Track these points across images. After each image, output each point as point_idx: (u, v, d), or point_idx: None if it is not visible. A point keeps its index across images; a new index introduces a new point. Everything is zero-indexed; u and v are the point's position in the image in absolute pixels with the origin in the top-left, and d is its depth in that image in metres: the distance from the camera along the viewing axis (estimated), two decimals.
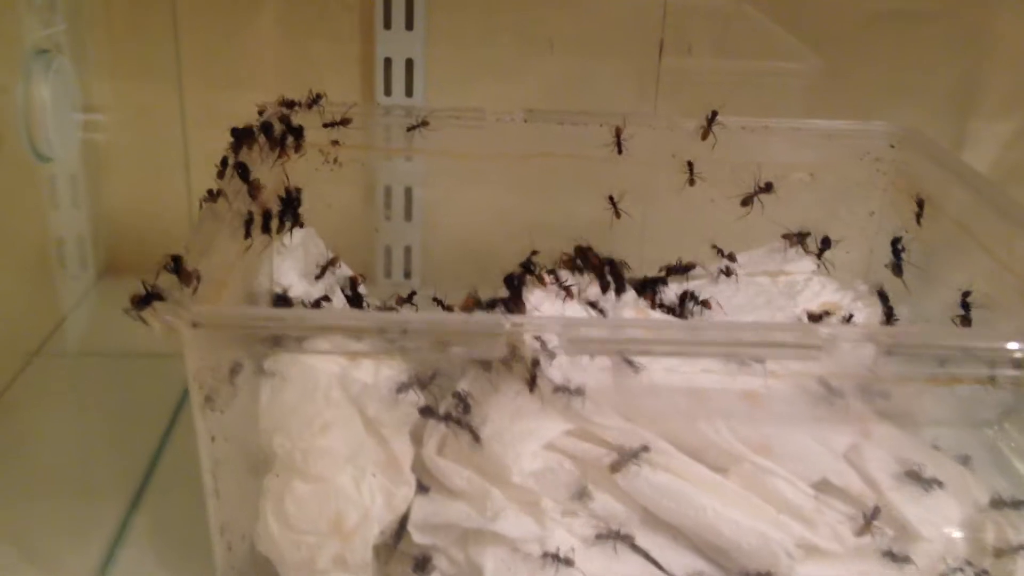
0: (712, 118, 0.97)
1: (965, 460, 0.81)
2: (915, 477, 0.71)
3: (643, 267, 0.96)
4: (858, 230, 0.99)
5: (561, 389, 0.65)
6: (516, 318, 0.60)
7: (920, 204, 0.91)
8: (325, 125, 0.95)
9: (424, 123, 0.98)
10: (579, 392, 0.66)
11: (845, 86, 1.17)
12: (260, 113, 0.91)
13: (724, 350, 0.60)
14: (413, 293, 1.01)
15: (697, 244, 0.98)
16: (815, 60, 1.16)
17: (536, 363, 0.62)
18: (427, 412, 0.70)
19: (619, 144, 0.96)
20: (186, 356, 0.59)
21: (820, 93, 1.17)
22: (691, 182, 0.97)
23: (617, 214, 0.97)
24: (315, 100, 0.95)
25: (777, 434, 0.71)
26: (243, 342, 0.61)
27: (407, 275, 1.22)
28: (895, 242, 0.93)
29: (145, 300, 0.58)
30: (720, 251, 0.97)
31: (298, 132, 0.90)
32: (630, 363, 0.61)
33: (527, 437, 0.70)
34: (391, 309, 0.89)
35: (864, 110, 1.16)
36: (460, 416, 0.71)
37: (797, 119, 0.99)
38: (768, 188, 0.94)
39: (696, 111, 0.99)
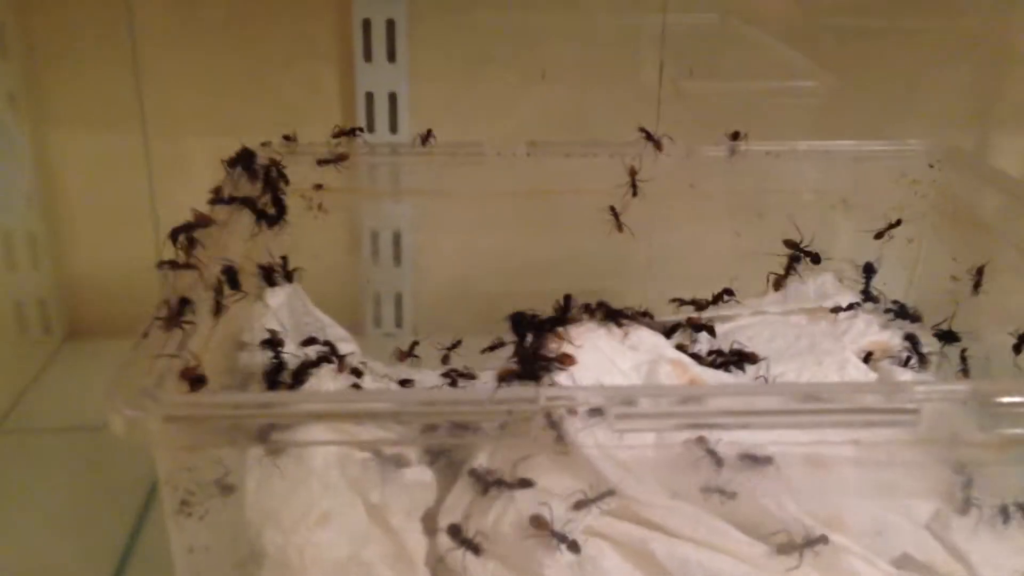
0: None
1: None
2: None
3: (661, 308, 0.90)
4: (895, 260, 0.91)
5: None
6: (552, 391, 0.51)
7: (979, 273, 0.84)
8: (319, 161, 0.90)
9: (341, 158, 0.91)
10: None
11: (857, 104, 1.12)
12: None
13: (798, 419, 0.51)
14: (415, 344, 0.94)
15: (720, 282, 0.91)
16: (824, 78, 1.11)
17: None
18: (454, 532, 0.61)
19: (634, 186, 0.88)
20: (156, 456, 0.49)
21: (831, 112, 1.11)
22: (658, 147, 0.90)
23: (619, 227, 0.90)
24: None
25: (848, 504, 0.62)
26: (227, 435, 0.51)
27: (398, 324, 1.15)
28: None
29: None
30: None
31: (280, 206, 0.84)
32: (713, 454, 0.52)
33: (560, 522, 0.60)
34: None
35: (879, 129, 1.10)
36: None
37: (826, 141, 0.92)
38: (816, 259, 0.87)
39: (702, 136, 0.93)
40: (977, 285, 0.84)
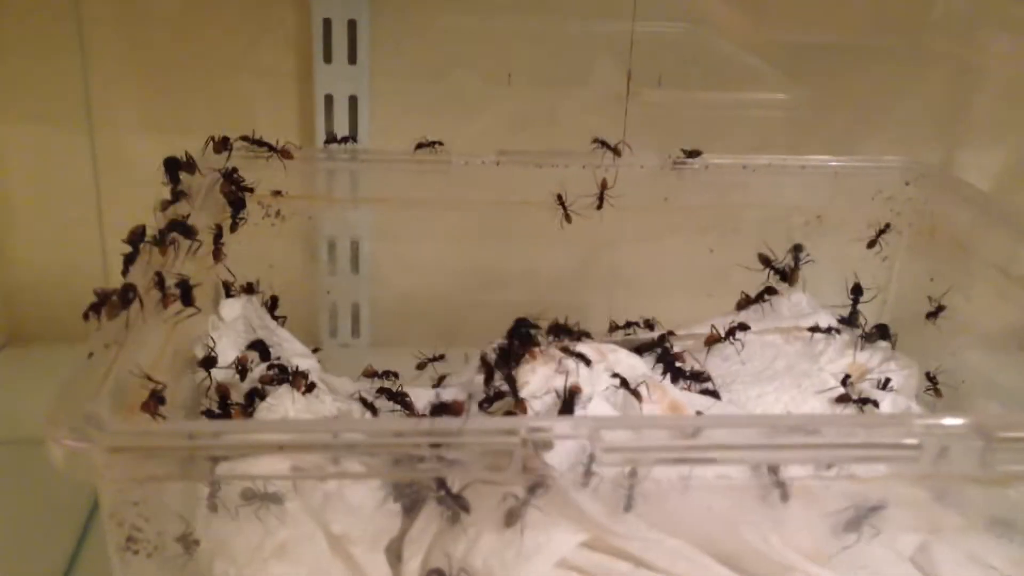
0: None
1: None
2: None
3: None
4: (870, 278, 0.89)
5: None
6: (534, 423, 0.47)
7: (938, 310, 0.84)
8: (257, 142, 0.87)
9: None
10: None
11: (825, 119, 1.10)
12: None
13: (796, 454, 0.48)
14: (392, 373, 0.88)
15: (691, 297, 0.91)
16: (794, 91, 1.09)
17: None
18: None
19: (601, 198, 0.87)
20: (101, 489, 0.45)
21: (800, 126, 1.09)
22: (616, 153, 0.89)
23: (568, 218, 0.88)
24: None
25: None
26: (180, 466, 0.47)
27: (355, 335, 1.12)
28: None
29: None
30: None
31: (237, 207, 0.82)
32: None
33: (534, 554, 0.58)
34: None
35: (847, 144, 1.08)
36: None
37: (802, 155, 0.91)
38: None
39: (670, 146, 0.91)
40: (933, 315, 0.84)
